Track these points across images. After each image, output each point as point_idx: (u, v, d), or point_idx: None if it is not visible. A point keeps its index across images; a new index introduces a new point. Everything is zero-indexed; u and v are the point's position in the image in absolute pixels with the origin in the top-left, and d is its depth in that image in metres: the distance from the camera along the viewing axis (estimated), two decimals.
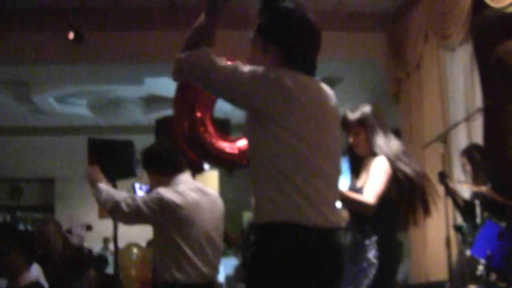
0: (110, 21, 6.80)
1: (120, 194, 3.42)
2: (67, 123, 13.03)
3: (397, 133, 8.06)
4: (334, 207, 2.32)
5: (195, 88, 4.49)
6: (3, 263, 3.55)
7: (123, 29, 6.87)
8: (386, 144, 3.45)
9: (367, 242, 3.33)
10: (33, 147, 13.69)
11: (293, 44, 2.30)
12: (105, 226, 5.64)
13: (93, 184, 3.55)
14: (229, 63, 2.24)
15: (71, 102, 11.07)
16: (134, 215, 3.34)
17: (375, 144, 3.44)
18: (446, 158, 5.03)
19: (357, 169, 3.58)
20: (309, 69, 2.37)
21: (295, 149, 2.19)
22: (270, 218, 2.20)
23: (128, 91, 10.17)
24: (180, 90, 4.69)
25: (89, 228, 5.56)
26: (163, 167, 3.56)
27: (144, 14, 6.78)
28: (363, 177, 3.46)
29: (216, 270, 3.53)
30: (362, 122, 3.50)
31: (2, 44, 6.79)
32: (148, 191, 4.14)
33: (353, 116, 3.52)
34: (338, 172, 2.36)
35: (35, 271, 4.09)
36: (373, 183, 3.30)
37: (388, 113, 8.13)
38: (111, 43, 6.87)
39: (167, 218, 3.31)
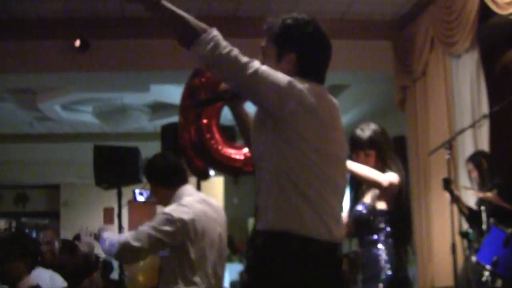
0: (115, 29, 6.83)
1: (122, 235, 3.37)
2: (73, 130, 13.06)
3: (403, 140, 8.10)
4: (340, 219, 2.34)
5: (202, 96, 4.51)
6: (5, 270, 3.57)
7: (128, 37, 6.90)
8: (396, 165, 3.48)
9: (380, 252, 3.36)
10: (39, 154, 13.74)
11: (308, 53, 2.36)
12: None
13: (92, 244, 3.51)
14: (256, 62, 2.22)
15: (77, 110, 11.10)
16: (148, 246, 3.22)
17: (388, 166, 3.45)
18: (452, 165, 5.03)
19: (358, 193, 3.58)
20: (321, 78, 2.44)
21: (311, 162, 2.22)
22: (276, 226, 2.22)
23: (134, 98, 10.19)
24: (186, 97, 4.71)
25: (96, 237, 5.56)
26: (167, 179, 3.52)
27: (149, 22, 6.79)
28: (369, 194, 3.47)
29: (222, 280, 3.53)
30: (373, 141, 3.47)
31: (9, 53, 6.83)
32: (149, 198, 4.16)
33: (364, 135, 3.49)
34: (346, 182, 2.42)
35: (44, 276, 4.13)
36: (390, 174, 3.35)
37: (394, 121, 8.14)
38: (117, 51, 6.90)
39: (182, 235, 3.26)
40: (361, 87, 8.54)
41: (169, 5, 2.22)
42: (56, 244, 5.42)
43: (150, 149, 6.63)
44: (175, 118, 5.01)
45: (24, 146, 13.50)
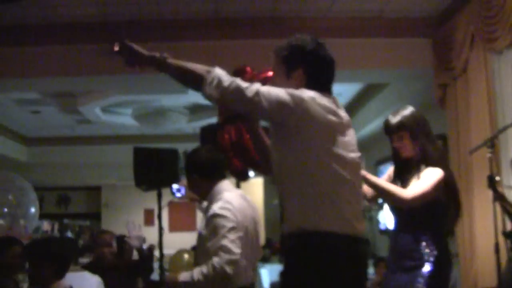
0: (153, 32, 6.89)
1: (204, 267, 3.29)
2: (113, 133, 13.26)
3: (444, 139, 7.99)
4: (360, 216, 2.54)
5: None
6: (34, 276, 3.64)
7: (166, 39, 6.95)
8: (434, 148, 3.45)
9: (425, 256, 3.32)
10: (80, 156, 13.97)
11: (313, 67, 2.61)
12: (150, 234, 5.70)
13: None
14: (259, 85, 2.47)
15: (116, 112, 11.26)
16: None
17: (425, 149, 3.42)
18: (494, 164, 4.94)
19: (402, 174, 3.54)
20: (328, 89, 2.63)
21: (325, 164, 2.44)
22: (302, 226, 2.43)
23: (172, 100, 10.29)
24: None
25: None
26: (208, 172, 3.57)
27: (186, 25, 6.86)
28: (412, 183, 3.41)
29: (255, 275, 3.58)
30: (403, 125, 3.49)
31: (49, 57, 6.95)
32: (185, 194, 4.19)
33: (394, 120, 3.53)
34: (361, 182, 2.67)
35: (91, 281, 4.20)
36: (419, 183, 3.29)
37: (434, 119, 8.02)
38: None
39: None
40: (400, 85, 8.46)
41: (173, 61, 2.62)
42: (114, 245, 5.48)
43: (189, 151, 6.69)
44: (213, 120, 5.03)
45: (65, 149, 13.75)
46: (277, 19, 6.77)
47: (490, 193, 4.63)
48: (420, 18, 6.87)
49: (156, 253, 5.32)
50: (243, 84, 2.42)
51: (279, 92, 2.42)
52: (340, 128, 2.51)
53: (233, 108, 2.54)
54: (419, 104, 8.49)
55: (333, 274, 2.39)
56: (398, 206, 3.35)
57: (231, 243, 3.22)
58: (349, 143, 2.53)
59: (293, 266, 2.46)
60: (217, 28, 6.82)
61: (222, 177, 3.59)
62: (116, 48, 2.63)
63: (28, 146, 13.73)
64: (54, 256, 3.63)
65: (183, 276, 3.35)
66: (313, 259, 2.40)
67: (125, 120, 11.54)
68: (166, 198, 4.49)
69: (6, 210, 8.01)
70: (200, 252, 3.53)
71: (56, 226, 18.93)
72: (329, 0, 6.41)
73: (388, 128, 3.54)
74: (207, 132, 5.22)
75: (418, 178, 3.37)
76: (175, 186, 4.24)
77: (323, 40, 2.72)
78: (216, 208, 3.37)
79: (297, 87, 2.52)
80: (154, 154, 4.83)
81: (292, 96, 2.42)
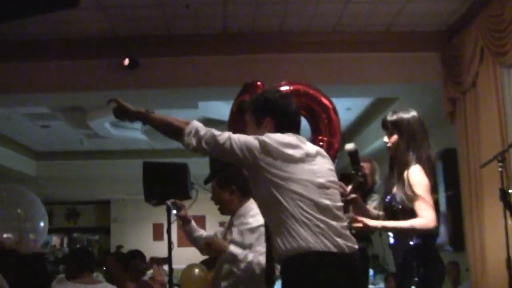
0: (163, 47, 6.93)
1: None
2: (122, 147, 13.28)
3: (454, 153, 7.95)
4: (343, 232, 2.76)
5: None
6: None
7: (176, 54, 6.99)
8: (417, 153, 3.54)
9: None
10: (89, 171, 13.99)
11: (279, 113, 2.92)
12: (159, 248, 5.71)
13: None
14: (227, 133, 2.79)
15: (126, 127, 11.28)
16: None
17: (405, 151, 3.54)
18: (505, 177, 4.90)
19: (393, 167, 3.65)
20: (296, 129, 2.95)
21: (296, 193, 2.70)
22: (286, 254, 2.67)
23: (182, 114, 10.25)
24: (235, 112, 4.73)
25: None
26: (246, 189, 3.67)
27: (197, 40, 6.89)
28: (395, 187, 3.49)
29: None
30: (396, 125, 3.63)
31: (59, 72, 7.00)
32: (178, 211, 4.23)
33: (390, 117, 3.67)
34: (336, 202, 2.83)
35: None
36: (422, 202, 3.30)
37: (444, 133, 8.00)
38: (165, 68, 7.00)
39: None
40: (409, 100, 8.43)
41: (157, 116, 2.91)
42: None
43: (198, 165, 6.68)
44: None
45: (74, 163, 13.78)
46: (285, 33, 6.79)
47: (501, 207, 4.59)
48: (429, 32, 6.86)
49: (165, 267, 5.33)
50: (216, 132, 2.75)
51: (247, 138, 2.76)
52: (303, 159, 2.78)
53: (208, 154, 2.85)
54: (428, 118, 8.47)
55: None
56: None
57: None
58: (316, 170, 2.79)
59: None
60: (226, 43, 6.84)
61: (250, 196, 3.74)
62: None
63: (38, 160, 13.78)
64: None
65: (234, 248, 3.63)
66: (301, 276, 2.65)
67: (134, 134, 11.57)
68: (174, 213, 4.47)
69: (15, 224, 8.01)
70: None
71: (65, 240, 18.95)
72: (337, 15, 6.42)
73: (383, 124, 3.72)
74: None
75: (398, 182, 3.43)
76: (174, 205, 4.24)
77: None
78: (259, 220, 3.56)
79: (268, 132, 2.85)
80: (163, 168, 4.82)
81: (257, 139, 2.74)
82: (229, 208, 3.92)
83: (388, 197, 3.50)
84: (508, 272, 4.49)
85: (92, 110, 9.96)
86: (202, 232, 4.31)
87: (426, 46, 6.95)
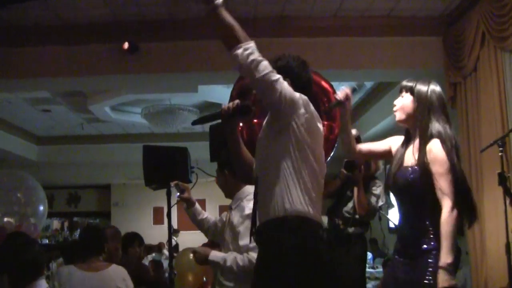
0: (163, 31, 6.90)
1: (240, 257, 3.52)
2: (122, 131, 13.29)
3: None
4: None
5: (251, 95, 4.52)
6: None
7: (176, 38, 6.96)
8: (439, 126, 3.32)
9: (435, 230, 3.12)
10: (90, 155, 14.02)
11: (302, 81, 2.87)
12: (159, 232, 5.72)
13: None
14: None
15: (126, 111, 11.29)
16: None
17: (422, 121, 3.30)
18: (505, 162, 4.91)
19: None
20: (310, 95, 2.87)
21: (310, 161, 2.72)
22: (289, 212, 2.65)
23: (182, 98, 10.31)
24: (235, 96, 4.71)
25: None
26: None
27: (197, 24, 6.86)
28: (414, 154, 3.26)
29: None
30: (411, 90, 3.43)
31: (59, 57, 6.99)
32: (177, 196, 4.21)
33: (408, 83, 3.51)
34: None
35: None
36: (445, 190, 3.08)
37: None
38: (165, 53, 6.98)
39: None
40: None
41: (224, 13, 2.70)
42: None
43: (199, 149, 6.68)
44: None
45: (75, 148, 13.81)
46: (286, 18, 6.76)
47: (501, 192, 4.60)
48: (431, 17, 6.84)
49: (165, 251, 5.33)
50: (270, 67, 2.62)
51: (292, 91, 2.67)
52: (320, 131, 2.82)
53: (250, 80, 2.65)
54: None
55: (316, 256, 2.66)
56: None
57: None
58: (321, 144, 2.84)
59: (280, 251, 2.63)
60: None
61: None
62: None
63: (38, 145, 13.79)
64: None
65: (214, 255, 3.56)
66: (303, 243, 2.63)
67: (135, 119, 11.57)
68: (175, 196, 4.48)
69: (15, 208, 8.05)
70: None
71: (66, 224, 19.02)
72: (338, 0, 6.40)
73: (401, 86, 3.50)
74: (216, 131, 5.21)
75: (418, 152, 3.21)
76: (178, 187, 4.23)
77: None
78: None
79: None
80: (163, 152, 4.82)
81: (301, 99, 2.69)
82: (226, 191, 3.94)
83: (409, 170, 3.22)
84: (507, 256, 4.51)
85: (93, 95, 9.96)
86: (206, 215, 4.31)
87: (427, 31, 6.92)
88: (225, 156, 3.71)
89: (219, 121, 3.00)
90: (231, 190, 3.84)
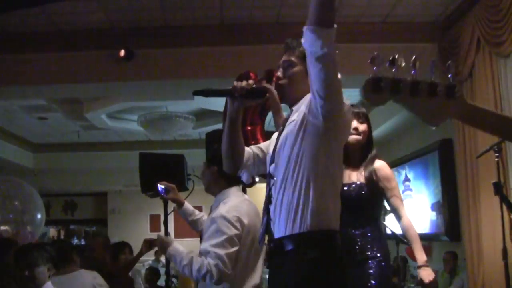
0: (159, 38, 6.91)
1: (197, 260, 3.31)
2: (119, 139, 13.27)
3: (450, 143, 7.96)
4: None
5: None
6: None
7: (172, 45, 6.97)
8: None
9: (378, 239, 3.47)
10: (86, 163, 13.99)
11: None
12: None
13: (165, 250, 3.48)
14: None
15: (122, 118, 11.28)
16: (233, 261, 3.29)
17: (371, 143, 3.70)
18: (501, 168, 4.92)
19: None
20: None
21: (338, 168, 2.59)
22: (318, 226, 2.44)
23: (178, 106, 10.30)
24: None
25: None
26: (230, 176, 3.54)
27: (193, 31, 6.87)
28: (360, 172, 3.57)
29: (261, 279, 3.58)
30: (367, 117, 3.75)
31: (56, 64, 6.98)
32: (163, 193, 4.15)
33: (361, 109, 3.78)
34: None
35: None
36: (402, 203, 3.56)
37: (441, 124, 8.00)
38: (161, 60, 6.99)
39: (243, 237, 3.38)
40: None
41: None
42: None
43: (195, 156, 6.68)
44: (219, 125, 5.03)
45: (71, 155, 13.77)
46: (281, 24, 6.78)
47: (497, 198, 4.60)
48: (426, 23, 6.86)
49: (162, 258, 5.32)
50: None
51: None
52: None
53: (313, 71, 2.36)
54: None
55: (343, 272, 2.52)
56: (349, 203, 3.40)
57: (229, 258, 3.24)
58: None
59: (313, 269, 2.44)
60: (222, 34, 6.83)
61: (238, 183, 3.60)
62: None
63: (35, 152, 13.76)
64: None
65: (174, 249, 3.39)
66: (332, 260, 2.48)
67: (131, 126, 11.56)
68: (172, 204, 4.47)
69: (12, 216, 8.02)
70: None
71: (63, 232, 18.97)
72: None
73: (355, 113, 3.68)
74: (212, 138, 5.21)
75: (367, 170, 3.54)
76: (160, 186, 4.18)
77: None
78: (223, 210, 3.38)
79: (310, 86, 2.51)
80: (160, 160, 4.82)
81: (346, 100, 2.52)
82: (208, 187, 3.73)
83: (353, 185, 3.51)
84: (504, 262, 4.51)
85: (89, 102, 9.95)
86: (200, 216, 4.21)
87: (423, 37, 6.94)
88: (216, 151, 3.61)
89: (221, 97, 2.87)
90: (214, 187, 3.64)
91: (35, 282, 3.69)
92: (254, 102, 2.76)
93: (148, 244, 5.51)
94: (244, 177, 2.92)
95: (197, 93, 2.66)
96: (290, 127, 2.59)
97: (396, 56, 1.80)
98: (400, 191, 3.61)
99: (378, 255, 3.39)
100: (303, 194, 2.45)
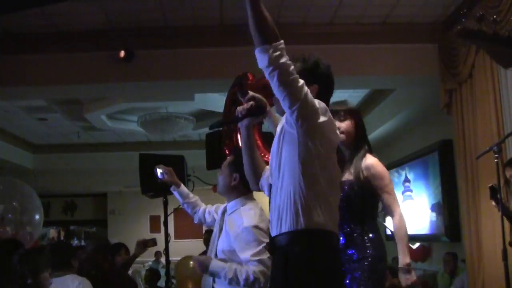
0: (159, 39, 6.91)
1: (240, 270, 3.40)
2: (119, 140, 13.27)
3: (450, 144, 7.96)
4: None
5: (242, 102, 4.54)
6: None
7: (172, 46, 6.97)
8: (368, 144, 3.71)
9: (365, 239, 3.42)
10: (86, 163, 13.99)
11: (325, 85, 2.82)
12: (157, 244, 5.73)
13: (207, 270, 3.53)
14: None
15: (122, 119, 11.27)
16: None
17: (360, 139, 3.66)
18: (501, 169, 4.91)
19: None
20: (328, 102, 2.83)
21: (329, 171, 2.67)
22: (308, 226, 2.57)
23: (178, 107, 10.30)
24: (228, 105, 4.72)
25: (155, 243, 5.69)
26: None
27: (193, 32, 6.87)
28: (350, 170, 3.55)
29: None
30: (350, 113, 3.69)
31: (56, 65, 6.98)
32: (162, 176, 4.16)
33: (342, 107, 3.72)
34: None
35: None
36: (394, 199, 3.50)
37: (441, 125, 8.01)
38: (161, 61, 6.98)
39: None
40: (406, 91, 8.44)
41: (261, 4, 2.57)
42: None
43: (195, 157, 6.68)
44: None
45: (71, 156, 13.78)
46: (281, 25, 6.75)
47: (494, 203, 4.61)
48: (426, 24, 6.86)
49: (163, 259, 5.32)
50: (294, 71, 2.52)
51: (312, 97, 2.58)
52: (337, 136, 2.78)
53: (274, 83, 2.52)
54: (425, 110, 8.52)
55: (334, 271, 2.62)
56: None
57: (269, 260, 3.31)
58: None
59: (295, 265, 2.57)
60: (222, 35, 6.83)
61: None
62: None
63: (35, 153, 13.77)
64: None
65: (215, 265, 3.46)
66: (317, 257, 2.56)
67: (131, 127, 11.56)
68: (172, 205, 4.47)
69: (11, 216, 8.01)
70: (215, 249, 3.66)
71: (63, 233, 18.97)
72: (334, 6, 6.41)
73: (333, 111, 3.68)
74: (212, 139, 5.22)
75: (355, 168, 3.52)
76: (159, 171, 4.17)
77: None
78: (254, 220, 3.48)
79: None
80: (160, 160, 4.81)
81: (321, 103, 2.61)
82: (225, 191, 3.77)
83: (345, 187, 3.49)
84: (504, 263, 4.50)
85: (89, 103, 9.95)
86: (195, 199, 4.20)
87: (423, 38, 6.94)
88: (237, 158, 3.65)
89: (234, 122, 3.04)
90: (231, 193, 3.69)
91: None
92: (258, 119, 3.01)
93: (142, 246, 5.50)
94: (265, 191, 3.00)
95: (213, 127, 3.01)
96: (275, 137, 2.78)
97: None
98: (394, 188, 3.56)
99: (361, 257, 3.36)
100: (291, 197, 2.60)
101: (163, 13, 6.53)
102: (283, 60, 2.47)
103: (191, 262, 6.03)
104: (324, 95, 2.76)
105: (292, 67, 2.50)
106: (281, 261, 2.62)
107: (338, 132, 2.81)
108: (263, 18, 2.56)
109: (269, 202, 2.79)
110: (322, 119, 2.58)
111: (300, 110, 2.51)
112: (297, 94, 2.49)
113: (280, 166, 2.68)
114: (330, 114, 2.66)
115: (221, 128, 2.98)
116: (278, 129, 2.76)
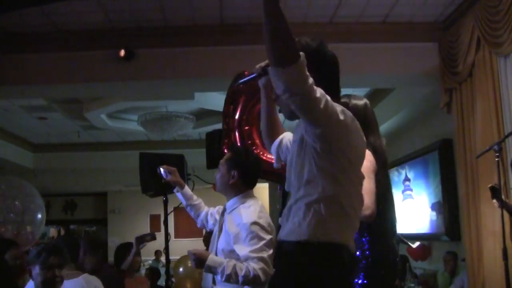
0: (159, 38, 6.91)
1: (240, 266, 3.33)
2: (119, 139, 13.28)
3: (450, 143, 7.96)
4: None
5: (242, 102, 4.55)
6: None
7: (172, 45, 6.97)
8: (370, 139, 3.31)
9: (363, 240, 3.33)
10: (86, 163, 14.00)
11: (325, 71, 2.48)
12: (156, 239, 5.71)
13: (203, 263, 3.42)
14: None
15: (122, 118, 11.28)
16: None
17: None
18: (501, 168, 4.92)
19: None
20: (338, 91, 2.58)
21: (354, 185, 2.46)
22: (318, 238, 2.38)
23: (178, 106, 10.30)
24: (228, 103, 4.73)
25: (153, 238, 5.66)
26: (253, 178, 3.68)
27: (193, 31, 6.87)
28: None
29: None
30: (351, 110, 3.50)
31: (56, 64, 6.98)
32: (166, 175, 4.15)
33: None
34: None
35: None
36: (366, 187, 3.03)
37: (440, 124, 8.01)
38: (161, 60, 6.98)
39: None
40: (406, 90, 8.44)
41: (281, 11, 2.09)
42: None
43: (195, 156, 6.68)
44: (219, 125, 5.03)
45: (71, 155, 13.78)
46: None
47: (495, 202, 4.61)
48: (426, 23, 6.86)
49: (163, 258, 5.31)
50: (316, 89, 2.17)
51: (337, 109, 2.31)
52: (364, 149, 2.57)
53: (295, 107, 2.21)
54: (425, 109, 8.52)
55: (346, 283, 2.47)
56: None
57: (270, 258, 3.30)
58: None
59: (298, 275, 2.42)
60: (222, 34, 6.83)
61: (252, 186, 3.70)
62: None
63: (35, 152, 13.77)
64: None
65: (212, 261, 3.36)
66: (323, 271, 2.39)
67: (131, 126, 11.56)
68: (172, 204, 4.47)
69: (12, 216, 8.01)
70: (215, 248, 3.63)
71: (63, 232, 18.98)
72: (333, 5, 6.41)
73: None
74: (212, 138, 5.22)
75: None
76: (163, 169, 4.16)
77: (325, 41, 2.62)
78: (254, 216, 3.44)
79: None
80: (160, 159, 4.81)
81: (344, 112, 2.34)
82: (223, 189, 3.73)
83: None
84: (505, 262, 4.51)
85: (89, 102, 9.95)
86: (197, 202, 4.18)
87: (423, 37, 6.94)
88: (239, 156, 3.66)
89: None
90: (231, 191, 3.66)
91: (59, 282, 3.69)
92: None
93: (140, 241, 5.49)
94: (275, 163, 2.96)
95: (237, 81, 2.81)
96: (294, 145, 2.53)
97: None
98: (370, 170, 3.19)
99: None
100: (309, 208, 2.41)
101: (163, 12, 6.52)
102: (307, 85, 2.13)
103: (189, 261, 6.02)
104: (328, 81, 2.46)
105: (314, 86, 2.17)
106: (286, 268, 2.49)
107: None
108: (285, 28, 2.10)
109: (282, 204, 2.71)
110: (345, 130, 2.35)
111: (324, 132, 2.30)
112: (320, 120, 2.25)
113: (301, 177, 2.46)
114: (355, 122, 2.45)
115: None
116: (297, 137, 2.51)
